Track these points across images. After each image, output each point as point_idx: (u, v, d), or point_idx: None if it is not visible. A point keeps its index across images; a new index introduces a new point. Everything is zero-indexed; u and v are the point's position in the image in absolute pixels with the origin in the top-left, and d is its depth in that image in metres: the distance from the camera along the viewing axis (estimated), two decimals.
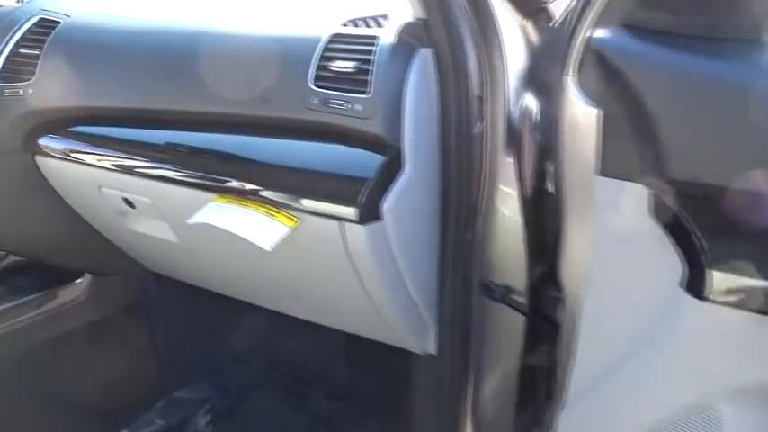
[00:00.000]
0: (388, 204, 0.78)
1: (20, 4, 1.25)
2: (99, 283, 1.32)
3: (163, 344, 1.49)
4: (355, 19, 0.89)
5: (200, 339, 1.55)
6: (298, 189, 0.81)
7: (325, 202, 0.78)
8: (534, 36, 0.86)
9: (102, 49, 1.04)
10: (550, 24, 0.87)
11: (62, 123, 1.08)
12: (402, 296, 0.89)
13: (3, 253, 1.28)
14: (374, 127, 0.77)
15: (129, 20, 1.06)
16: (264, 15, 0.98)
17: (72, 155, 1.05)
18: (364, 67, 0.79)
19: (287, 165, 0.83)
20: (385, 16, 0.88)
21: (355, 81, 0.80)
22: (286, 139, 0.86)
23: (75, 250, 1.23)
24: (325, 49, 0.84)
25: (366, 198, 0.76)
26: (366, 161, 0.77)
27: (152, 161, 0.96)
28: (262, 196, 0.84)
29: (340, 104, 0.80)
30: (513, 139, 0.87)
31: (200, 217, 0.82)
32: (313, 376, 1.58)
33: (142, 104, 0.98)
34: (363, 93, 0.79)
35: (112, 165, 1.01)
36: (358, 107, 0.79)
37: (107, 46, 1.04)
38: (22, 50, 1.07)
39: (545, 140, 0.86)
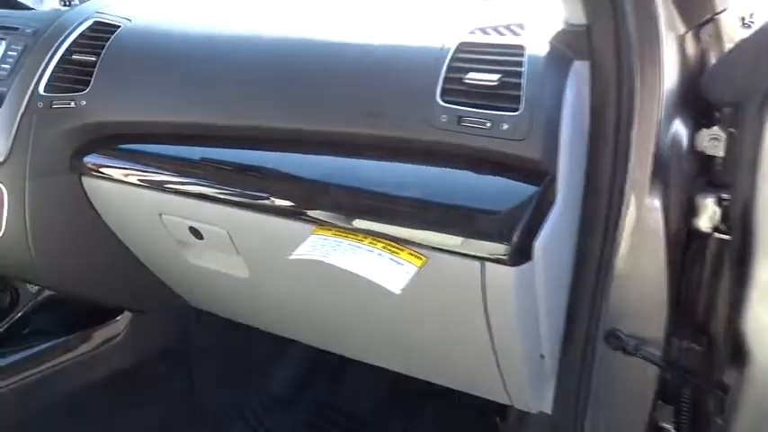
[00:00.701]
0: (541, 242, 0.65)
1: (65, 7, 1.13)
2: (138, 321, 1.17)
3: (200, 387, 1.33)
4: (483, 27, 0.78)
5: (239, 382, 1.40)
6: (429, 222, 0.68)
7: (467, 238, 0.65)
8: (693, 51, 0.76)
9: (170, 57, 0.91)
10: (726, 40, 0.77)
11: (117, 140, 0.94)
12: (532, 348, 0.76)
13: (34, 288, 1.14)
14: (529, 150, 0.65)
15: (200, 26, 0.93)
16: (362, 23, 0.87)
17: (129, 177, 0.91)
18: (512, 80, 0.68)
19: (409, 193, 0.70)
20: (520, 25, 0.77)
21: (500, 96, 0.68)
22: (404, 162, 0.74)
23: (116, 285, 1.08)
24: (454, 59, 0.72)
25: (521, 235, 0.64)
26: (518, 190, 0.65)
27: (230, 185, 0.82)
28: (378, 231, 0.72)
29: (478, 123, 0.68)
30: (661, 170, 0.77)
31: (307, 252, 0.69)
32: (363, 425, 1.43)
33: (218, 120, 0.85)
34: (512, 110, 0.67)
35: (179, 189, 0.87)
36: (505, 126, 0.67)
37: (175, 54, 0.91)
38: (75, 57, 0.95)
39: (713, 172, 0.76)
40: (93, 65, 0.93)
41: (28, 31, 0.98)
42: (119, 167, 0.93)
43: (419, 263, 0.68)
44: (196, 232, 0.90)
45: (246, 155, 0.82)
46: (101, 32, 0.96)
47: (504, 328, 0.72)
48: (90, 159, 0.95)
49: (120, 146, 0.94)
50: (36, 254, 0.98)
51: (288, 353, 1.43)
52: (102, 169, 0.94)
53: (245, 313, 1.08)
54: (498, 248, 0.64)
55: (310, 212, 0.75)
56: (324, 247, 0.70)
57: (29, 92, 0.94)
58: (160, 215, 0.92)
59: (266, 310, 1.02)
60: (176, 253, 0.98)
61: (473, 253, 0.66)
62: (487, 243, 0.64)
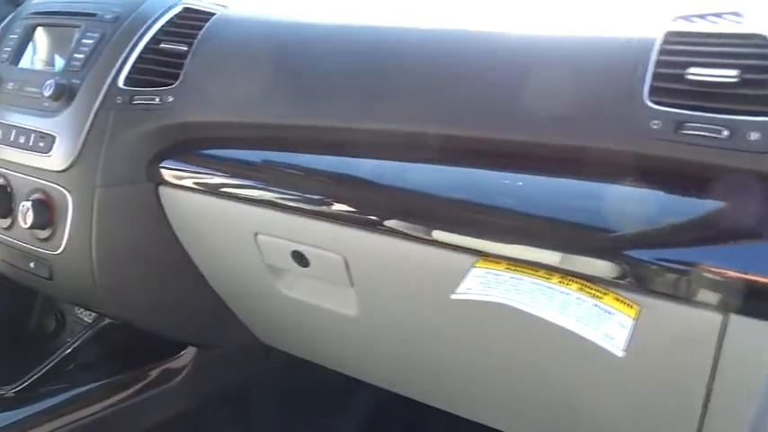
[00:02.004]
0: None
1: None
2: (201, 358, 1.02)
3: None
4: (686, 16, 0.64)
5: (303, 428, 1.24)
6: (644, 262, 0.53)
7: (705, 285, 0.50)
8: None
9: (275, 49, 0.76)
10: None
11: (204, 144, 0.80)
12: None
13: (83, 313, 1.00)
14: None
15: (311, 14, 0.79)
16: (519, 14, 0.73)
17: (219, 188, 0.76)
18: (757, 76, 0.53)
19: (614, 221, 0.56)
20: (737, 13, 0.63)
21: (742, 97, 0.53)
22: (600, 179, 0.59)
23: (186, 315, 0.92)
24: (663, 51, 0.58)
25: None
26: None
27: (357, 203, 0.66)
28: (569, 269, 0.56)
29: (709, 131, 0.54)
30: None
31: (480, 292, 0.53)
32: None
33: (339, 122, 0.70)
34: (762, 113, 0.52)
35: (285, 204, 0.71)
36: (754, 136, 0.52)
37: (281, 46, 0.76)
38: (163, 46, 0.82)
39: None
40: (184, 55, 0.79)
41: (107, 17, 0.84)
42: (206, 177, 0.77)
43: (632, 313, 0.52)
44: (300, 257, 0.75)
45: (380, 166, 0.66)
46: (192, 20, 0.83)
47: (734, 395, 0.55)
48: (171, 166, 0.79)
49: (208, 151, 0.79)
50: (100, 275, 0.83)
51: (359, 395, 1.27)
52: (185, 178, 0.79)
53: (335, 356, 0.92)
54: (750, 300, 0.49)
55: (474, 240, 0.58)
56: (500, 284, 0.54)
57: (106, 85, 0.79)
58: (255, 235, 0.77)
59: (367, 357, 0.85)
60: (265, 281, 0.83)
61: (713, 302, 0.50)
62: (739, 291, 0.49)
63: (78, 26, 0.86)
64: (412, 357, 0.80)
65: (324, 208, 0.69)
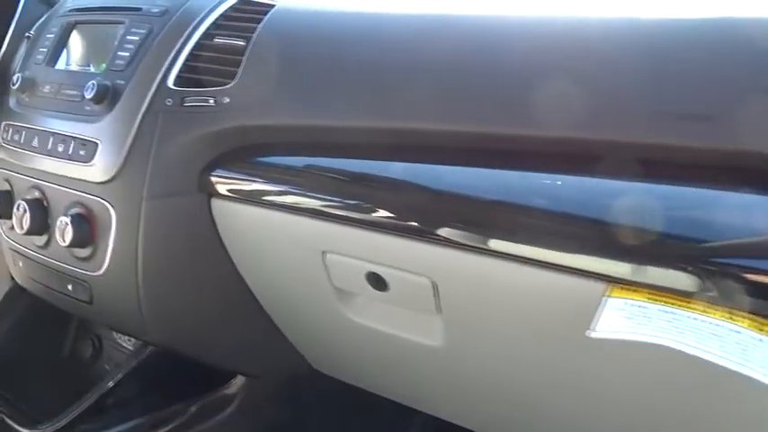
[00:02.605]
0: None
1: None
2: (251, 388, 0.93)
3: None
4: None
5: None
6: None
7: None
8: None
9: (343, 44, 0.67)
10: None
11: (263, 151, 0.70)
12: None
13: (125, 343, 0.91)
14: None
15: (382, 5, 0.69)
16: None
17: (281, 200, 0.66)
18: None
19: None
20: None
21: None
22: (745, 190, 0.49)
23: (237, 341, 0.82)
24: None
25: None
26: None
27: (453, 221, 0.55)
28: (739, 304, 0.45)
29: None
30: None
31: (627, 329, 0.42)
32: None
33: (423, 124, 0.60)
34: None
35: (359, 218, 0.61)
36: None
37: (350, 41, 0.67)
38: (218, 41, 0.73)
39: None
40: (242, 51, 0.69)
41: (154, 10, 0.76)
42: (266, 187, 0.68)
43: None
44: (377, 280, 0.65)
45: (479, 175, 0.55)
46: (249, 12, 0.74)
47: None
48: (225, 175, 0.70)
49: (268, 158, 0.70)
50: (146, 299, 0.74)
51: (417, 425, 1.16)
52: (240, 189, 0.69)
53: (405, 389, 0.81)
54: None
55: (607, 262, 0.48)
56: (650, 320, 0.44)
57: (154, 86, 0.71)
58: (323, 254, 0.68)
59: (445, 391, 0.74)
60: (329, 305, 0.73)
61: None
62: None
63: (122, 22, 0.78)
64: (501, 394, 0.69)
65: (410, 224, 0.59)
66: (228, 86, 0.69)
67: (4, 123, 0.85)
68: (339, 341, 0.78)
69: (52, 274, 0.80)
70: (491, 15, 0.63)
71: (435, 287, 0.60)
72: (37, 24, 1.00)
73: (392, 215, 0.60)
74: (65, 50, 0.83)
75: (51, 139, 0.76)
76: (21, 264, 0.85)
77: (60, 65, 0.83)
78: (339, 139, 0.66)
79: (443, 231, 0.57)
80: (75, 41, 0.83)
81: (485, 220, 0.55)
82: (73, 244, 0.73)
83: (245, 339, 0.83)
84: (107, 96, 0.73)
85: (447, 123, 0.60)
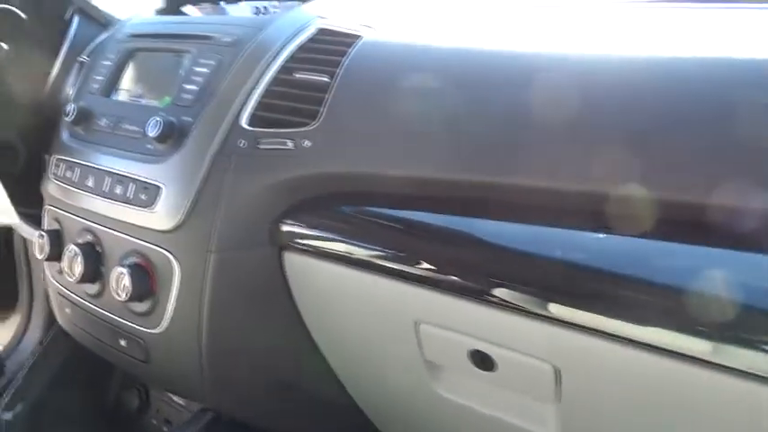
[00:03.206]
0: None
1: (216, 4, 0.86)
2: None
3: None
4: None
5: None
6: None
7: None
8: None
9: (446, 83, 0.58)
10: None
11: (343, 200, 0.62)
12: None
13: (178, 402, 0.84)
14: None
15: (481, 39, 0.62)
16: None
17: (368, 258, 0.57)
18: None
19: None
20: None
21: None
22: None
23: (304, 410, 0.74)
24: None
25: None
26: None
27: (584, 300, 0.47)
28: None
29: None
30: None
31: None
32: None
33: (545, 181, 0.50)
34: None
35: (469, 288, 0.52)
36: None
37: (455, 79, 0.58)
38: (299, 76, 0.65)
39: None
40: (326, 88, 0.62)
41: (225, 40, 0.68)
42: (349, 243, 0.59)
43: None
44: (483, 359, 0.56)
45: (616, 244, 0.47)
46: (329, 44, 0.67)
47: None
48: (301, 227, 0.62)
49: (350, 210, 0.61)
50: (209, 362, 0.66)
51: None
52: (319, 242, 0.61)
53: None
54: None
55: None
56: None
57: (225, 125, 0.63)
58: (416, 324, 0.60)
59: None
60: (416, 378, 0.64)
61: None
62: None
63: (188, 51, 0.70)
64: None
65: (533, 302, 0.50)
66: (310, 128, 0.61)
67: (55, 157, 0.79)
68: (421, 414, 0.69)
69: (104, 326, 0.72)
70: (618, 54, 0.55)
71: (558, 374, 0.51)
72: (89, 48, 0.95)
73: (510, 289, 0.51)
74: (123, 80, 0.76)
75: (108, 180, 0.69)
76: (68, 310, 0.78)
77: (118, 96, 0.76)
78: (439, 193, 0.58)
79: (576, 314, 0.48)
80: (135, 70, 0.76)
81: (632, 302, 0.46)
82: (131, 298, 0.65)
83: (311, 406, 0.75)
84: (172, 135, 0.65)
85: (577, 183, 0.52)
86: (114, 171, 0.69)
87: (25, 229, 1.03)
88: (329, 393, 0.73)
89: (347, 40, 0.65)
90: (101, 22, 0.98)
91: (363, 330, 0.65)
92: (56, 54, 0.99)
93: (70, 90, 0.92)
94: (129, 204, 0.67)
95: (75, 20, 0.97)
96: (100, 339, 0.74)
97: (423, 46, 0.63)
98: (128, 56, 0.77)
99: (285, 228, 0.64)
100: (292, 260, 0.65)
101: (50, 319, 1.32)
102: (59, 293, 0.80)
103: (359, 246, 0.60)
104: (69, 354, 0.88)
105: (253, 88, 0.64)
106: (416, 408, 0.69)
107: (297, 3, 0.77)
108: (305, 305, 0.67)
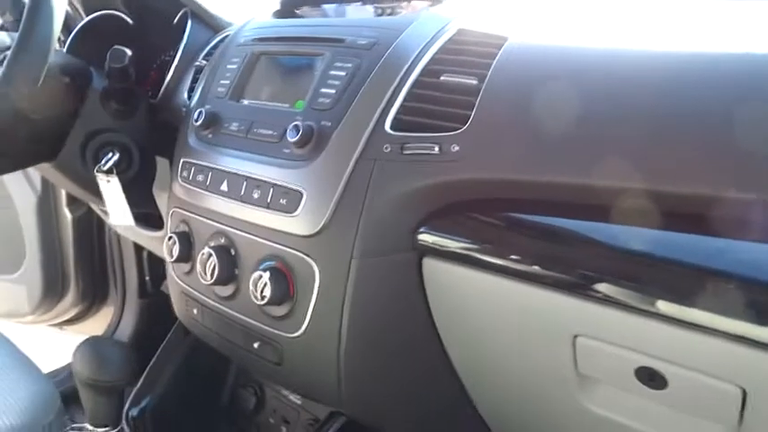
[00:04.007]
0: None
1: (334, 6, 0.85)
2: None
3: None
4: None
5: None
6: None
7: None
8: None
9: (605, 87, 0.56)
10: None
11: (497, 206, 0.59)
12: None
13: (293, 397, 0.83)
14: None
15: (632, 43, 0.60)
16: None
17: (526, 268, 0.56)
18: None
19: None
20: None
21: None
22: None
23: (438, 424, 0.73)
24: None
25: None
26: None
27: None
28: None
29: None
30: None
31: None
32: None
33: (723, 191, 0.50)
34: None
35: (632, 302, 0.50)
36: None
37: (615, 83, 0.56)
38: (446, 79, 0.62)
39: None
40: (476, 92, 0.60)
41: (361, 42, 0.67)
42: (500, 249, 0.58)
43: None
44: (653, 376, 0.53)
45: None
46: (472, 45, 0.65)
47: None
48: (444, 232, 0.60)
49: (499, 215, 0.59)
50: (347, 367, 0.65)
51: None
52: (464, 248, 0.59)
53: None
54: None
55: None
56: None
57: (368, 129, 0.62)
58: (574, 338, 0.58)
59: None
60: (563, 390, 0.61)
61: None
62: None
63: (320, 54, 0.70)
64: None
65: (718, 319, 0.48)
66: (458, 132, 0.59)
67: (183, 160, 0.80)
68: (560, 429, 0.68)
69: (236, 328, 0.73)
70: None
71: (744, 396, 0.49)
72: (204, 51, 0.95)
73: (689, 306, 0.49)
74: (251, 84, 0.76)
75: (245, 184, 0.69)
76: (195, 311, 0.79)
77: (247, 100, 0.76)
78: (597, 201, 0.56)
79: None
80: (263, 74, 0.76)
81: None
82: (271, 301, 0.65)
83: (440, 417, 0.74)
84: (312, 139, 0.65)
85: (756, 191, 0.49)
86: (250, 175, 0.69)
87: (139, 233, 1.06)
88: (457, 404, 0.72)
89: (492, 41, 0.63)
90: (213, 26, 0.99)
91: (504, 340, 0.63)
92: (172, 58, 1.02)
93: (185, 94, 0.94)
94: (268, 209, 0.67)
95: (189, 24, 0.99)
96: (230, 341, 0.75)
97: (572, 49, 0.61)
98: (254, 60, 0.77)
99: (426, 233, 0.62)
100: (432, 266, 0.64)
101: (145, 314, 1.36)
102: (186, 294, 0.81)
103: (508, 254, 0.59)
104: (189, 352, 0.90)
105: (396, 92, 0.63)
106: (555, 422, 0.67)
107: (425, 3, 0.77)
108: (442, 312, 0.66)
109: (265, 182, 0.68)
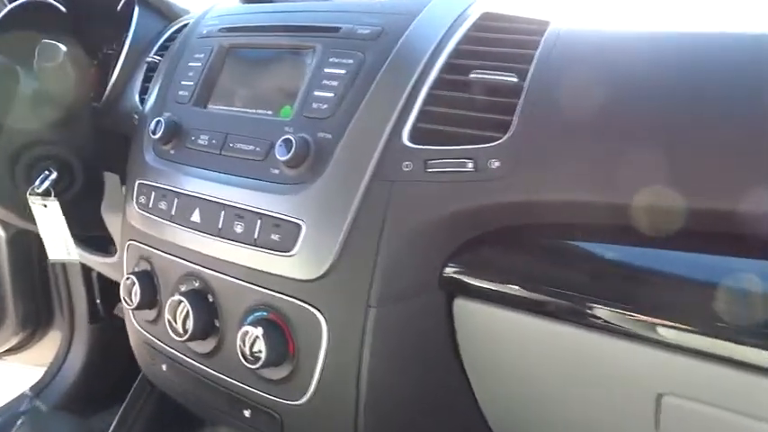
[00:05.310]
0: None
1: None
2: None
3: None
4: None
5: None
6: None
7: None
8: None
9: (678, 85, 0.45)
10: None
11: (542, 234, 0.48)
12: None
13: None
14: None
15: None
16: None
17: (581, 308, 0.44)
18: None
19: None
20: None
21: None
22: None
23: None
24: None
25: None
26: None
27: None
28: None
29: None
30: None
31: None
32: None
33: None
34: None
35: (734, 356, 0.40)
36: None
37: (689, 78, 0.46)
38: (475, 77, 0.49)
39: None
40: (516, 92, 0.48)
41: (362, 32, 0.53)
42: (549, 289, 0.46)
43: None
44: None
45: None
46: (504, 32, 0.52)
47: None
48: (479, 267, 0.49)
49: (548, 245, 0.47)
50: None
51: None
52: (504, 287, 0.48)
53: None
54: None
55: None
56: None
57: (381, 143, 0.49)
58: (659, 397, 0.48)
59: None
60: None
61: None
62: None
63: (309, 47, 0.56)
64: None
65: None
66: (498, 143, 0.47)
67: (138, 182, 0.64)
68: None
69: (219, 392, 0.59)
70: None
71: None
72: (158, 44, 0.80)
73: None
74: (220, 85, 0.61)
75: (223, 214, 0.55)
76: (165, 367, 0.65)
77: (217, 105, 0.61)
78: (682, 225, 0.45)
79: None
80: (235, 73, 0.61)
81: None
82: (267, 363, 0.52)
83: None
84: (308, 157, 0.51)
85: None
86: (228, 203, 0.55)
87: (88, 258, 0.90)
88: None
89: (531, 26, 0.51)
90: (166, 14, 0.84)
91: (559, 396, 0.53)
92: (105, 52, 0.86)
93: (135, 97, 0.79)
94: (256, 247, 0.53)
95: (136, 11, 0.83)
96: (212, 406, 0.61)
97: (639, 34, 0.48)
98: (222, 55, 0.62)
99: (458, 269, 0.50)
100: (465, 309, 0.52)
101: (98, 341, 1.20)
102: (151, 346, 0.67)
103: (563, 293, 0.47)
104: (159, 405, 0.75)
105: (412, 94, 0.50)
106: None
107: None
108: (477, 365, 0.54)
109: (250, 211, 0.53)
